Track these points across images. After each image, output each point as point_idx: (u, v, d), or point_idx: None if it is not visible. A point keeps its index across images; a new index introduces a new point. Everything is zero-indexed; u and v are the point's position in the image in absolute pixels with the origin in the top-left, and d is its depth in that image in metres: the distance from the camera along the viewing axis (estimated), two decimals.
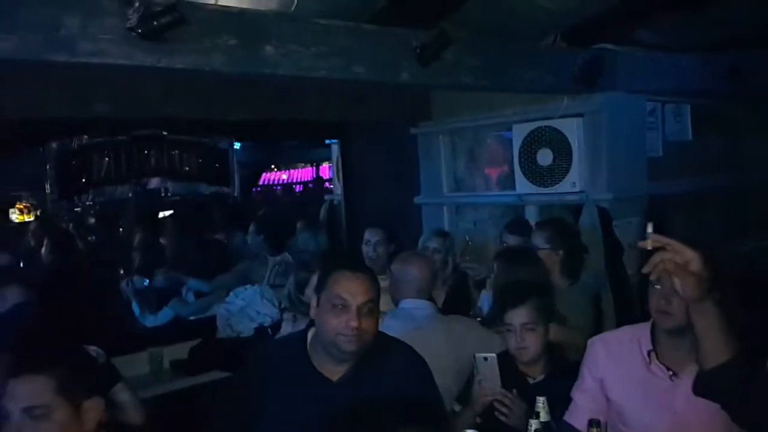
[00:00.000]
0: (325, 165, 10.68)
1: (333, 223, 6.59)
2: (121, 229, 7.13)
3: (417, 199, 5.38)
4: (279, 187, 11.65)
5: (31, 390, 1.40)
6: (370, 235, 4.17)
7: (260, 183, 11.12)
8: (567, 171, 4.21)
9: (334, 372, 1.93)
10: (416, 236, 4.48)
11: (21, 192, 9.41)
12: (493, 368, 2.25)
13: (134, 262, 5.06)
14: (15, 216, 9.22)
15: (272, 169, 11.48)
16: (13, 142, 5.06)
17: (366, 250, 4.16)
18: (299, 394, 1.91)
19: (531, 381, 2.38)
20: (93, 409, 1.53)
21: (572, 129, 4.20)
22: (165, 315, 4.31)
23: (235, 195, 5.95)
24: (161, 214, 7.51)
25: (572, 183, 4.20)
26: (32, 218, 9.11)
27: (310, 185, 11.11)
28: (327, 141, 6.17)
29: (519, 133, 4.44)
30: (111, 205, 7.73)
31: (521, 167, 4.43)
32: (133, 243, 5.96)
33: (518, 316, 2.38)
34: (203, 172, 6.13)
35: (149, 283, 4.72)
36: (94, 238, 6.90)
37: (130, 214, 7.17)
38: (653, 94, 4.47)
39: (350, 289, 1.92)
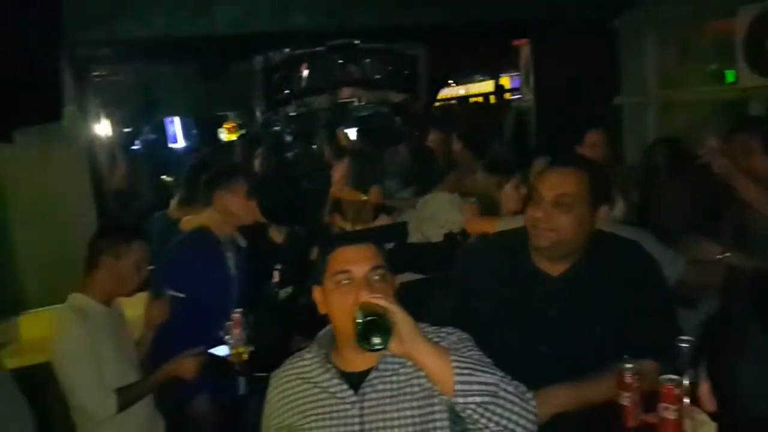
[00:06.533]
0: (505, 75, 10.34)
1: (520, 131, 6.37)
2: (314, 146, 7.49)
3: (618, 99, 4.95)
4: (457, 100, 11.53)
5: (369, 255, 1.49)
6: (591, 138, 3.84)
7: (438, 99, 11.09)
8: None
9: (554, 268, 1.84)
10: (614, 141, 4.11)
11: (227, 112, 10.26)
12: None
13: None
14: (224, 135, 10.13)
15: (450, 85, 11.34)
16: (223, 60, 5.46)
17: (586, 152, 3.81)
18: (519, 287, 1.86)
19: None
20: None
21: None
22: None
23: (423, 102, 5.90)
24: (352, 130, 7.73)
25: None
26: (238, 136, 9.93)
27: (491, 95, 10.84)
28: (515, 42, 5.87)
29: (745, 16, 3.87)
30: (305, 121, 8.15)
31: (746, 56, 3.89)
32: (325, 157, 6.19)
33: None
34: (392, 80, 6.16)
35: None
36: (290, 154, 7.35)
37: (324, 129, 7.49)
38: None
39: (546, 181, 1.82)
